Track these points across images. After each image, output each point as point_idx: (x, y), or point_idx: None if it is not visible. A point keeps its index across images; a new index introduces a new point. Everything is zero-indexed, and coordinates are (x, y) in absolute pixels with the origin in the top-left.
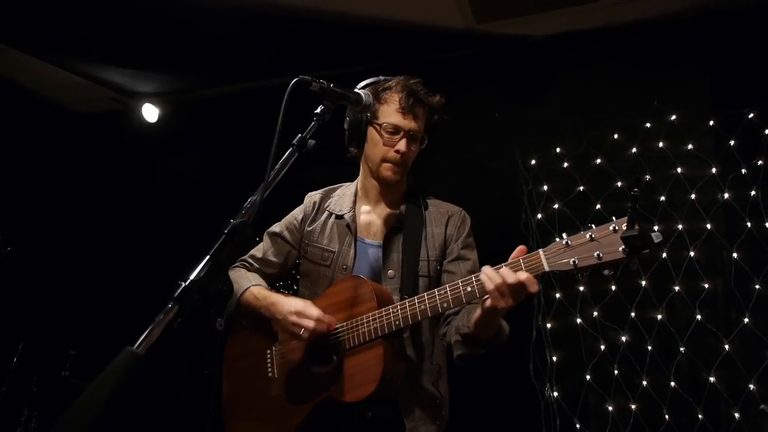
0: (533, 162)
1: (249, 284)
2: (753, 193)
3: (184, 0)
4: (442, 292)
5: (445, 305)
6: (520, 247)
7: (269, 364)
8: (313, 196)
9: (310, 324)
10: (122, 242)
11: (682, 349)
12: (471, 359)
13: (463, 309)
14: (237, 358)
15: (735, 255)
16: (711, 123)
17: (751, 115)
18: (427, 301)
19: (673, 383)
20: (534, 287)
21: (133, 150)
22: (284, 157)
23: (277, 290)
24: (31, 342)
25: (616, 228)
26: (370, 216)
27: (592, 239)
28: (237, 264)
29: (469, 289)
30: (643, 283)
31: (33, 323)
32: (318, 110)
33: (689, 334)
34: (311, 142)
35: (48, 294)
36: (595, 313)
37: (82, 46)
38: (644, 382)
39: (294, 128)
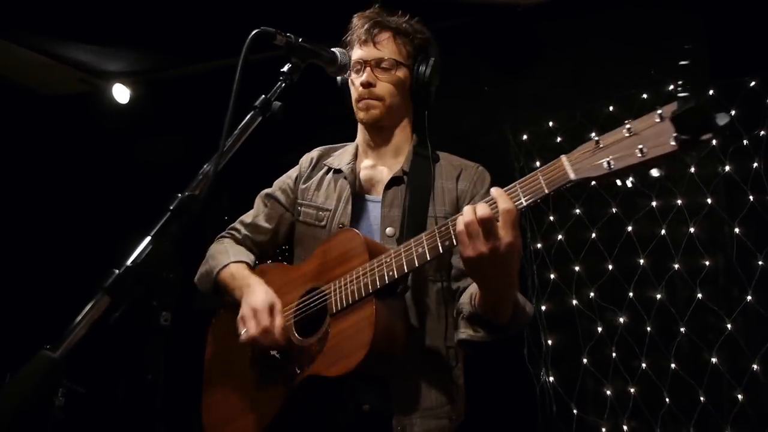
0: (524, 137)
1: (228, 260)
2: (755, 165)
3: None
4: (443, 228)
5: (447, 243)
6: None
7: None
8: (310, 154)
9: (253, 330)
10: (94, 227)
11: (682, 329)
12: (477, 348)
13: (470, 286)
14: (219, 339)
15: (737, 230)
16: (710, 92)
17: (753, 84)
18: (425, 242)
19: (673, 365)
20: (505, 202)
21: (106, 132)
22: (244, 121)
23: (277, 260)
24: None
25: (663, 115)
26: (372, 171)
27: (630, 133)
28: (224, 233)
29: None
30: (641, 261)
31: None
32: (285, 68)
33: (690, 314)
34: (277, 104)
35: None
36: (592, 294)
37: (42, 21)
38: (643, 365)
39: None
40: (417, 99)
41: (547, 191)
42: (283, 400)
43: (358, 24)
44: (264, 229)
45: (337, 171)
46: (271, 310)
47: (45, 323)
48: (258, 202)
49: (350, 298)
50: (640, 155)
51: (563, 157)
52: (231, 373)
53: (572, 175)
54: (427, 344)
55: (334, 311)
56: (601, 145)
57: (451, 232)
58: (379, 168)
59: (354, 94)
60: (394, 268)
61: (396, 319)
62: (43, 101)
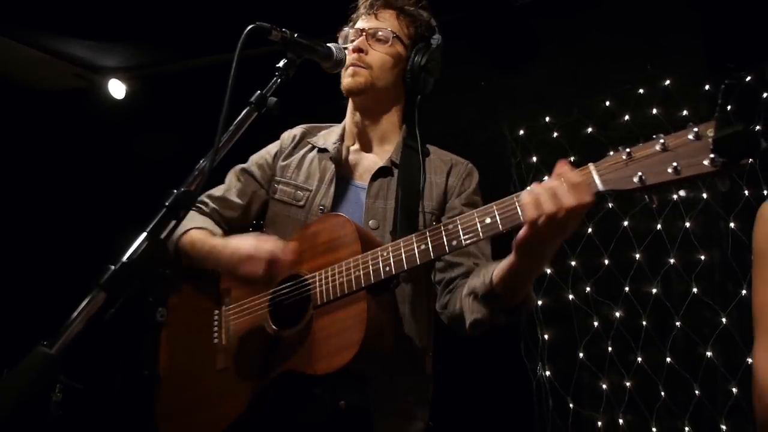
0: (522, 132)
1: (190, 226)
2: (750, 159)
3: None
4: (451, 226)
5: (455, 243)
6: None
7: (215, 329)
8: (293, 130)
9: (270, 249)
10: (90, 223)
11: (677, 323)
12: (488, 328)
13: (474, 271)
14: (177, 322)
15: (732, 225)
16: (706, 87)
17: (748, 78)
18: (429, 239)
19: (668, 359)
20: (586, 197)
21: (102, 127)
22: (240, 117)
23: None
24: None
25: (700, 133)
26: (358, 155)
27: (664, 149)
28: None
29: (488, 220)
30: (637, 256)
31: None
32: (280, 64)
33: (685, 308)
34: (272, 99)
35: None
36: (588, 289)
37: (38, 17)
38: (639, 359)
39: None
40: (410, 87)
41: None
42: (252, 394)
43: (363, 1)
44: (235, 205)
45: (322, 150)
46: (262, 240)
47: (41, 319)
48: (230, 176)
49: (339, 291)
50: (673, 173)
51: (591, 166)
52: (195, 358)
53: (600, 186)
54: (405, 343)
55: (319, 303)
56: (632, 157)
57: (460, 232)
58: (366, 154)
59: (346, 63)
60: (392, 264)
61: (386, 316)
62: (39, 96)
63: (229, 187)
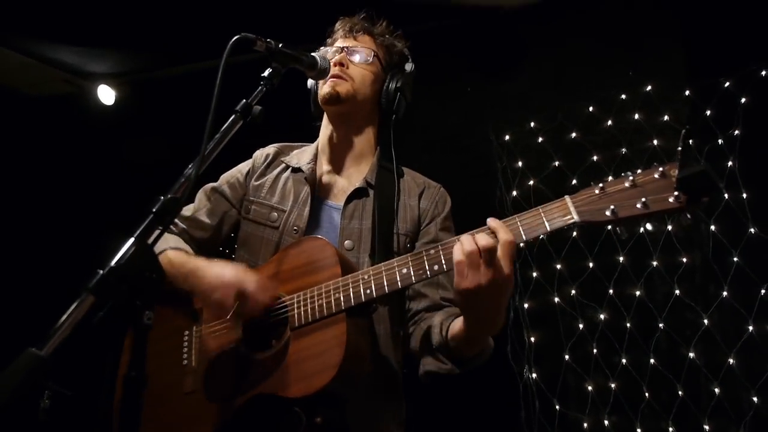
0: (507, 137)
1: (164, 247)
2: (730, 163)
3: None
4: (432, 251)
5: (436, 268)
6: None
7: (185, 350)
8: (265, 149)
9: (251, 287)
10: (79, 228)
11: (660, 325)
12: (440, 379)
13: (441, 311)
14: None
15: (712, 228)
16: (687, 93)
17: (727, 84)
18: (411, 263)
19: (652, 360)
20: (504, 234)
21: (91, 133)
22: (225, 125)
23: (221, 257)
24: None
25: (665, 172)
26: (332, 176)
27: (633, 185)
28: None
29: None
30: (621, 259)
31: None
32: (265, 73)
33: (668, 310)
34: (257, 108)
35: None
36: (573, 291)
37: (27, 22)
38: (623, 360)
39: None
40: (385, 108)
41: (549, 229)
42: (221, 419)
43: (342, 24)
44: (205, 225)
45: (296, 170)
46: (242, 273)
47: (30, 323)
48: (200, 195)
49: (318, 313)
50: (642, 208)
51: (567, 198)
52: (161, 380)
53: (576, 217)
54: (381, 364)
55: (297, 325)
56: (605, 191)
57: (442, 258)
58: (340, 174)
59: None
60: (373, 287)
61: (364, 339)
62: (27, 102)
63: (199, 206)
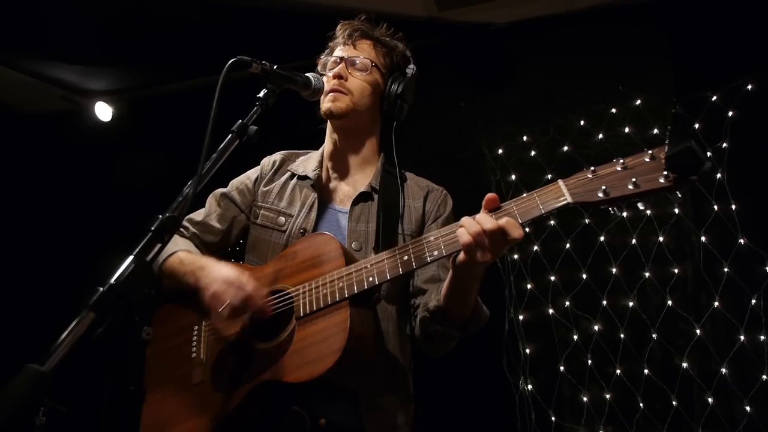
0: (500, 151)
1: (176, 249)
2: (719, 175)
3: None
4: (432, 238)
5: (436, 253)
6: (490, 196)
7: (194, 344)
8: (273, 156)
9: (235, 299)
10: (76, 245)
11: (654, 335)
12: (440, 344)
13: (430, 288)
14: (159, 338)
15: (703, 239)
16: (676, 107)
17: (714, 98)
18: (411, 250)
19: (646, 370)
20: (516, 232)
21: (88, 150)
22: (222, 145)
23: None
24: None
25: (654, 155)
26: (338, 182)
27: (624, 168)
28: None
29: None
30: (614, 270)
31: None
32: (261, 94)
33: (661, 320)
34: (253, 128)
35: None
36: (567, 303)
37: (26, 42)
38: (618, 371)
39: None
40: (386, 114)
41: (543, 211)
42: (231, 407)
43: (342, 30)
44: (215, 230)
45: (302, 177)
46: (245, 278)
47: (27, 340)
48: (211, 200)
49: (322, 302)
50: (633, 187)
51: (560, 181)
52: (172, 374)
53: (569, 199)
54: (390, 360)
55: (302, 315)
56: (597, 174)
57: (441, 244)
58: (345, 180)
59: (326, 89)
60: (375, 274)
61: (368, 328)
62: (25, 119)
63: (210, 211)
